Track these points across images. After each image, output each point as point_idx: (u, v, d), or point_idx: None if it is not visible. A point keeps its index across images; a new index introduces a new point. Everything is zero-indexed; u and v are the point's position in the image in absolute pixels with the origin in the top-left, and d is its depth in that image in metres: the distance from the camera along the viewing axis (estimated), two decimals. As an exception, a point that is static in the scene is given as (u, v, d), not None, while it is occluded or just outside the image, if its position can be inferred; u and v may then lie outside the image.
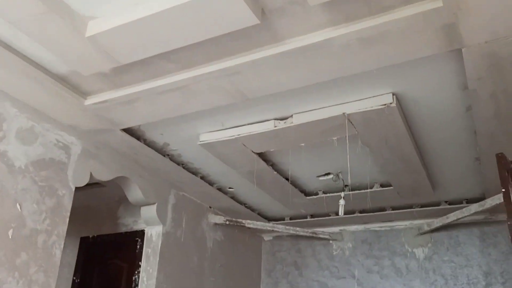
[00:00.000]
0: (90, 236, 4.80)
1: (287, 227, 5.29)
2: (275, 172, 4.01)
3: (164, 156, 3.80)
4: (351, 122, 3.05)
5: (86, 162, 3.42)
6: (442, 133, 3.30)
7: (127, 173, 3.81)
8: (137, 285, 4.10)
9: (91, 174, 3.45)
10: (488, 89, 2.62)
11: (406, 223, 5.17)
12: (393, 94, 2.85)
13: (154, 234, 4.19)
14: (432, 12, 2.07)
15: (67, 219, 3.24)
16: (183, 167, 4.02)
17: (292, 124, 3.16)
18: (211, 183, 4.39)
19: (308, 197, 4.63)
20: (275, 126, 3.22)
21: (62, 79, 2.82)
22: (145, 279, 4.04)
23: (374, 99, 2.89)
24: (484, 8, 2.02)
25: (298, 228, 5.32)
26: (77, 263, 4.74)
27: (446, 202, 4.60)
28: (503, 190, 2.35)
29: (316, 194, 4.61)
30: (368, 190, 4.25)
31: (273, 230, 5.38)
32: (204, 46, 2.42)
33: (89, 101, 2.98)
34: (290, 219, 5.40)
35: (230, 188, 4.54)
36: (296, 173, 4.17)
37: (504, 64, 2.40)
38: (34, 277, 2.92)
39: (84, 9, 2.24)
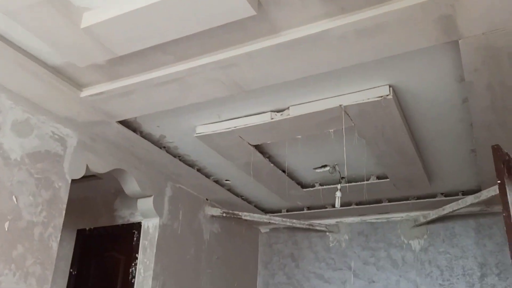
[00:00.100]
0: (87, 228, 4.80)
1: (283, 219, 5.31)
2: (272, 164, 4.01)
3: (161, 148, 3.79)
4: (347, 114, 3.05)
5: (82, 154, 3.42)
6: (439, 125, 3.30)
7: (124, 166, 3.81)
8: (134, 277, 4.11)
9: (87, 166, 3.45)
10: (484, 81, 2.62)
11: (402, 215, 5.19)
12: (389, 86, 2.84)
13: (151, 226, 4.19)
14: (429, 3, 2.07)
15: (64, 212, 3.24)
16: (180, 160, 4.02)
17: (288, 116, 3.16)
18: (207, 176, 4.39)
19: (304, 189, 4.64)
20: (272, 118, 3.21)
21: (57, 71, 2.80)
22: (142, 271, 4.05)
23: (370, 91, 2.89)
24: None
25: (294, 220, 5.33)
26: (74, 255, 4.74)
27: (442, 194, 4.62)
28: (499, 181, 2.36)
29: (313, 186, 4.62)
30: (365, 182, 4.26)
31: (269, 222, 5.39)
32: (200, 38, 2.41)
33: (85, 93, 2.96)
34: (287, 211, 5.42)
35: (226, 180, 4.54)
36: (293, 165, 4.17)
37: (501, 56, 2.40)
38: (30, 270, 2.92)
39: (79, 0, 2.22)
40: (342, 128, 3.17)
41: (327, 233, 5.54)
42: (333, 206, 4.39)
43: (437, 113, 3.15)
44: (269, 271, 5.77)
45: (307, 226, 5.40)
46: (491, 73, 2.55)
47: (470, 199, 4.24)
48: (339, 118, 3.08)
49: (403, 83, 2.83)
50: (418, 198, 4.74)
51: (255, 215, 5.15)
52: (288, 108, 3.17)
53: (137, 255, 4.16)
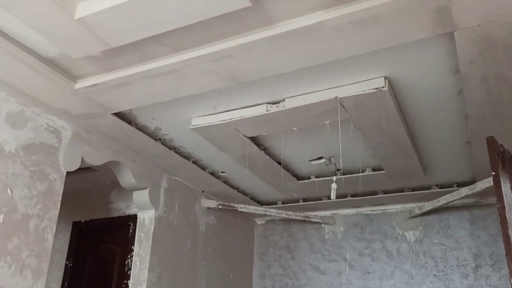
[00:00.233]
0: (83, 220, 4.80)
1: (279, 211, 5.32)
2: (268, 156, 4.01)
3: (156, 140, 3.78)
4: (343, 106, 3.05)
5: (77, 146, 3.41)
6: (434, 117, 3.31)
7: (119, 158, 3.80)
8: (130, 269, 4.12)
9: (82, 158, 3.44)
10: (479, 73, 2.63)
11: (398, 206, 5.22)
12: (385, 78, 2.84)
13: (146, 218, 4.19)
14: (425, -6, 2.06)
15: (59, 204, 3.23)
16: (175, 152, 4.01)
17: (284, 108, 3.15)
18: (203, 168, 4.39)
19: (300, 181, 4.65)
20: (268, 110, 3.21)
21: (52, 63, 2.78)
22: (138, 263, 4.06)
23: (366, 83, 2.88)
24: (476, -10, 2.02)
25: (290, 212, 5.35)
26: (70, 247, 4.74)
27: (437, 185, 4.64)
28: (493, 173, 2.37)
29: (309, 178, 4.62)
30: (360, 174, 4.27)
31: (265, 214, 5.40)
32: (196, 29, 2.39)
33: (80, 84, 2.95)
34: (283, 203, 5.43)
35: (222, 172, 4.54)
36: (289, 157, 4.17)
37: (496, 48, 2.41)
38: (26, 262, 2.92)
39: (73, -9, 2.20)
40: (338, 120, 3.17)
41: (323, 225, 5.57)
42: (329, 198, 4.39)
43: (432, 105, 3.15)
44: (265, 262, 5.80)
45: (303, 218, 5.42)
46: (486, 65, 2.55)
47: (464, 190, 4.27)
48: (335, 110, 3.08)
49: (398, 75, 2.82)
50: (413, 190, 4.76)
51: (251, 207, 5.17)
52: (283, 100, 3.16)
53: (133, 247, 4.17)
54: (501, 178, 2.33)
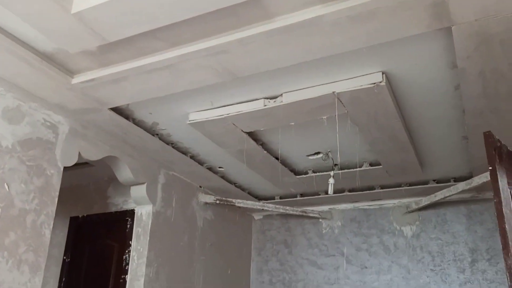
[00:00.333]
0: (80, 216, 4.79)
1: (277, 206, 5.33)
2: (265, 152, 4.02)
3: (153, 135, 3.78)
4: (340, 101, 3.05)
5: (74, 141, 3.40)
6: (431, 111, 3.31)
7: (116, 153, 3.80)
8: (127, 264, 4.12)
9: (79, 153, 3.43)
10: (477, 68, 2.63)
11: (395, 201, 5.23)
12: (382, 73, 2.84)
13: (144, 213, 4.19)
14: (422, -11, 2.06)
15: (56, 199, 3.23)
16: (173, 147, 4.01)
17: (281, 103, 3.15)
18: (201, 163, 4.39)
19: (298, 176, 4.65)
20: (265, 105, 3.21)
21: (48, 57, 2.77)
22: (135, 258, 4.06)
23: (363, 77, 2.88)
24: (474, -15, 2.01)
25: (288, 207, 5.36)
26: (67, 242, 4.75)
27: (434, 180, 4.65)
28: (490, 168, 2.38)
29: (306, 173, 4.63)
30: (357, 169, 4.28)
31: (263, 209, 5.42)
32: (192, 24, 2.38)
33: (76, 79, 2.93)
34: (280, 198, 5.44)
35: (220, 167, 4.54)
36: (286, 152, 4.18)
37: (493, 42, 2.41)
38: (23, 257, 2.92)
39: (69, -15, 2.19)
40: (335, 115, 3.17)
41: (320, 220, 5.58)
42: (326, 193, 4.42)
43: (429, 100, 3.16)
44: (262, 257, 5.81)
45: (300, 213, 5.43)
46: (483, 59, 2.55)
47: (461, 185, 4.28)
48: (332, 105, 3.08)
49: (396, 70, 2.82)
50: (410, 184, 4.77)
51: (249, 202, 5.17)
52: (281, 95, 3.16)
53: (130, 242, 4.17)
54: (498, 173, 2.34)
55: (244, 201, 5.15)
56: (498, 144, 2.52)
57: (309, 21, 2.28)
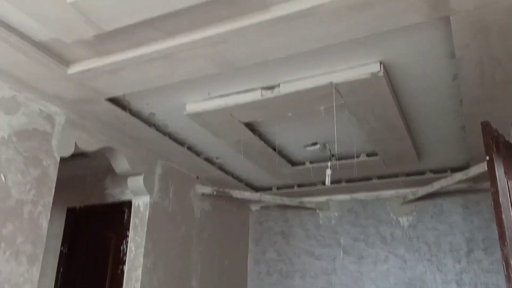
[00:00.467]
0: (77, 207, 4.79)
1: (274, 197, 5.34)
2: (262, 142, 4.01)
3: (150, 126, 3.76)
4: (338, 92, 3.04)
5: (70, 132, 3.38)
6: (429, 101, 3.31)
7: (113, 144, 3.78)
8: (125, 254, 4.13)
9: (76, 144, 3.42)
10: (475, 57, 2.62)
11: (392, 192, 5.25)
12: (380, 63, 2.83)
13: (141, 204, 4.19)
14: (421, -23, 2.05)
15: (53, 190, 3.22)
16: (170, 138, 3.99)
17: (279, 94, 3.14)
18: (198, 154, 4.39)
19: (295, 167, 4.66)
20: (262, 96, 3.20)
21: (44, 47, 2.74)
22: (133, 248, 4.07)
23: (361, 68, 2.87)
24: (473, -27, 2.00)
25: (285, 198, 5.37)
26: (65, 233, 4.74)
27: (431, 171, 4.66)
28: (488, 158, 2.38)
29: (303, 164, 4.63)
30: (355, 159, 4.28)
31: (260, 200, 5.42)
32: (190, 13, 2.36)
33: (73, 70, 2.91)
34: (277, 189, 5.44)
35: (217, 158, 4.53)
36: (283, 143, 4.17)
37: (491, 31, 2.40)
38: (21, 248, 2.92)
39: (65, -27, 2.16)
40: (333, 106, 3.17)
41: (317, 211, 5.60)
42: (323, 183, 4.40)
43: (427, 90, 3.15)
44: (259, 248, 5.83)
45: (298, 204, 5.44)
46: (481, 48, 2.55)
47: (458, 175, 4.29)
48: (330, 96, 3.07)
49: (393, 59, 2.81)
50: (407, 175, 4.78)
51: (246, 193, 5.18)
52: (278, 85, 3.15)
53: (128, 232, 4.17)
54: (495, 163, 2.34)
55: (242, 192, 5.15)
56: (496, 133, 2.52)
57: (307, 10, 2.27)
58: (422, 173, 4.70)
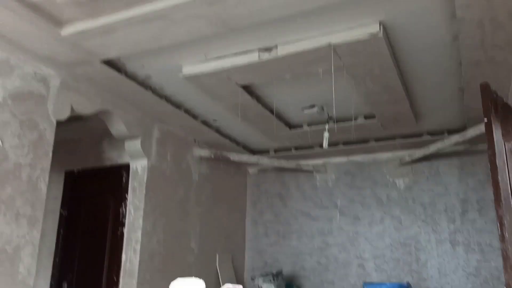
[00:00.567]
0: (75, 170, 4.80)
1: (271, 160, 5.36)
2: (260, 105, 3.99)
3: (146, 89, 3.72)
4: (336, 53, 3.00)
5: (66, 95, 3.35)
6: (428, 63, 3.27)
7: (109, 107, 3.76)
8: (124, 217, 4.18)
9: (72, 107, 3.39)
10: (475, 17, 2.58)
11: (389, 154, 5.27)
12: (380, 23, 2.78)
13: (139, 167, 4.20)
14: None
15: (50, 153, 3.22)
16: (166, 100, 3.96)
17: (276, 56, 3.09)
18: (195, 117, 4.36)
19: (292, 130, 4.65)
20: (260, 58, 3.15)
21: (36, 8, 2.66)
22: (132, 211, 4.11)
23: (360, 28, 2.82)
24: None
25: (282, 161, 5.39)
26: (64, 196, 4.78)
27: (428, 133, 4.67)
28: (486, 120, 2.37)
29: (301, 126, 4.63)
30: (352, 122, 4.27)
31: (258, 163, 5.45)
32: (185, -29, 2.30)
33: (66, 31, 2.85)
34: (275, 151, 5.46)
35: (214, 121, 4.52)
36: (281, 105, 4.15)
37: (494, -9, 2.35)
38: (21, 210, 2.94)
39: None
40: (331, 67, 3.13)
41: (314, 173, 5.64)
42: (321, 146, 4.42)
43: (426, 51, 3.11)
44: (257, 210, 5.91)
45: (295, 167, 5.47)
46: (482, 9, 2.50)
47: (455, 138, 4.31)
48: (328, 57, 3.03)
49: (393, 20, 2.75)
50: (404, 137, 4.79)
51: (243, 156, 5.19)
52: (276, 47, 3.09)
53: (126, 195, 4.20)
54: (493, 125, 2.34)
55: (239, 155, 5.17)
56: (495, 95, 2.50)
57: (306, -32, 2.21)
58: (419, 135, 4.71)
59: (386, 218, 5.20)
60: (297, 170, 5.68)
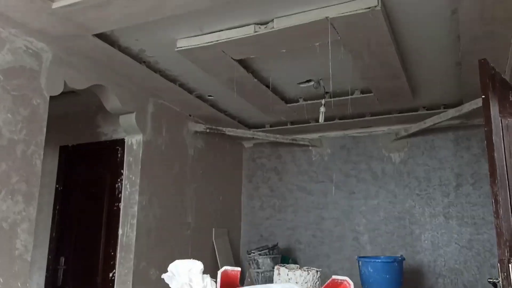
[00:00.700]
0: (70, 145, 4.77)
1: (267, 134, 5.35)
2: (255, 80, 3.95)
3: (141, 63, 3.67)
4: (334, 27, 2.95)
5: (59, 69, 3.29)
6: (425, 37, 3.23)
7: (103, 81, 3.71)
8: (120, 192, 4.18)
9: (65, 82, 3.34)
10: (476, -9, 2.53)
11: (384, 128, 5.28)
12: (378, -4, 2.73)
13: (134, 142, 4.18)
14: None
15: (44, 129, 3.18)
16: (161, 75, 3.91)
17: (273, 29, 3.04)
18: (190, 91, 4.32)
19: (288, 105, 4.63)
20: (256, 32, 3.09)
21: (25, -21, 2.60)
22: (128, 186, 4.11)
23: (358, 1, 2.76)
24: None
25: (278, 135, 5.39)
26: (59, 171, 4.76)
27: (424, 107, 4.66)
28: (483, 96, 2.35)
29: (297, 101, 4.60)
30: (349, 96, 4.25)
31: (253, 137, 5.44)
32: None
33: (57, 3, 2.77)
34: (271, 126, 5.45)
35: (209, 96, 4.48)
36: (277, 80, 4.11)
37: (495, -37, 2.30)
38: (16, 187, 2.93)
39: None
40: (328, 42, 3.08)
41: (310, 148, 5.64)
42: (317, 121, 4.41)
43: (424, 25, 3.07)
44: (253, 184, 5.93)
45: (290, 141, 5.47)
46: (483, -18, 2.45)
47: (451, 112, 4.30)
48: (325, 31, 2.98)
49: (392, -7, 2.71)
50: (401, 112, 4.78)
51: (239, 130, 5.18)
52: (272, 20, 3.04)
53: (122, 171, 4.19)
54: (490, 102, 2.33)
55: (235, 129, 5.15)
56: (493, 72, 2.48)
57: None
58: (415, 110, 4.70)
59: (381, 192, 5.23)
60: (293, 144, 5.68)
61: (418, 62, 3.64)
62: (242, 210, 5.92)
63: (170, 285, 1.76)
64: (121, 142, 4.31)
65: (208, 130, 4.96)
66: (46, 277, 4.52)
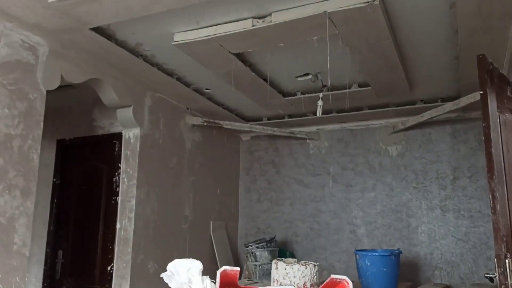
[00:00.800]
0: (67, 138, 4.76)
1: (264, 127, 5.35)
2: (253, 73, 3.93)
3: (138, 57, 3.65)
4: (332, 21, 2.94)
5: (55, 63, 3.27)
6: (424, 31, 3.22)
7: (100, 75, 3.69)
8: (118, 186, 4.17)
9: (61, 76, 3.32)
10: (474, -15, 2.52)
11: (382, 122, 5.28)
12: (376, -10, 2.71)
13: (132, 136, 4.17)
14: None
15: (41, 123, 3.17)
16: (158, 68, 3.89)
17: (270, 23, 3.02)
18: (187, 85, 4.31)
19: (286, 98, 4.62)
20: (253, 25, 3.08)
21: (20, -27, 2.57)
22: (125, 180, 4.11)
23: (357, -5, 2.75)
24: None
25: (275, 128, 5.39)
26: (56, 165, 4.75)
27: (421, 101, 4.67)
28: (481, 92, 2.35)
29: (294, 95, 4.59)
30: (347, 90, 4.25)
31: (251, 130, 5.44)
32: None
33: (53, -3, 2.75)
34: (268, 119, 5.44)
35: (207, 89, 4.46)
36: (275, 74, 4.10)
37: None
38: (13, 182, 2.92)
39: None
40: (326, 36, 3.07)
41: (307, 141, 5.64)
42: (314, 114, 4.40)
43: (423, 19, 3.06)
44: (250, 177, 5.94)
45: (288, 134, 5.47)
46: (482, -24, 2.44)
47: (449, 105, 4.31)
48: (323, 25, 2.96)
49: (390, -13, 2.70)
50: (398, 105, 4.79)
51: (236, 123, 5.17)
52: (270, 14, 3.02)
53: (119, 164, 4.19)
54: (488, 98, 2.33)
55: (232, 122, 5.14)
56: (491, 67, 2.48)
57: None
58: (413, 103, 4.70)
59: (378, 185, 5.25)
60: (290, 138, 5.68)
61: (415, 56, 3.64)
62: (240, 203, 5.93)
63: (169, 285, 1.76)
64: (119, 135, 4.30)
65: (205, 123, 4.96)
66: (44, 271, 4.53)
